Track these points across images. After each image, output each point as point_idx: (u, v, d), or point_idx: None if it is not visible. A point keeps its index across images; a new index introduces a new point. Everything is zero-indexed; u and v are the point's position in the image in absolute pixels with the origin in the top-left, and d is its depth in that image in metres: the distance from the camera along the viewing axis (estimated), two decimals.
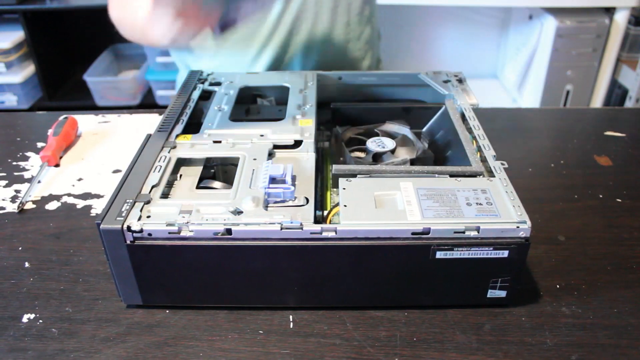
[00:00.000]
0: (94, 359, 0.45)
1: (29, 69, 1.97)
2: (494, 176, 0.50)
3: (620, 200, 0.65)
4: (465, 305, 0.49)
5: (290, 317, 0.49)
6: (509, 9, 1.99)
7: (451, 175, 0.50)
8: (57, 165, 0.72)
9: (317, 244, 0.44)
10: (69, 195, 0.66)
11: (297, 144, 0.55)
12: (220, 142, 0.55)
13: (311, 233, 0.44)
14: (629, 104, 1.73)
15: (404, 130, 0.63)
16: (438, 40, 2.12)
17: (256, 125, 0.58)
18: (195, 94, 0.66)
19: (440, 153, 0.61)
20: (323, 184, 0.55)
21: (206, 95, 0.67)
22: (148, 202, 0.46)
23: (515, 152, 0.75)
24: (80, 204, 0.65)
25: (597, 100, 1.84)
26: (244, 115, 0.65)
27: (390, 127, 0.64)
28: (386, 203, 0.47)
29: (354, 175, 0.50)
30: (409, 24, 2.05)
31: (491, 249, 0.44)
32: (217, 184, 0.54)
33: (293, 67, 0.86)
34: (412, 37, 2.09)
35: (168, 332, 0.47)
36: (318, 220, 0.47)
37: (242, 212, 0.45)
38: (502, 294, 0.48)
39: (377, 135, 0.61)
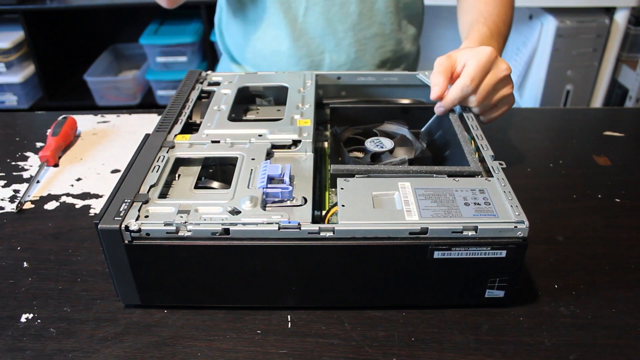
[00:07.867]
0: (92, 359, 0.45)
1: (29, 69, 1.97)
2: (492, 176, 0.50)
3: (619, 200, 0.65)
4: (463, 305, 0.49)
5: (289, 317, 0.49)
6: None
7: (449, 175, 0.50)
8: (56, 165, 0.72)
9: (315, 244, 0.44)
10: (67, 195, 0.66)
11: (296, 144, 0.55)
12: (218, 142, 0.55)
13: (309, 233, 0.44)
14: (629, 104, 1.73)
15: (403, 130, 0.63)
16: (437, 40, 2.12)
17: (255, 125, 0.58)
18: (194, 94, 0.66)
19: (438, 153, 0.61)
20: (321, 184, 0.55)
21: (205, 95, 0.67)
22: (146, 202, 0.46)
23: (514, 152, 0.75)
24: (79, 203, 0.65)
25: (597, 100, 1.84)
26: (243, 115, 0.65)
27: (389, 127, 0.64)
28: (384, 203, 0.47)
29: (352, 175, 0.50)
30: None
31: (489, 248, 0.44)
32: (215, 183, 0.54)
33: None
34: None
35: (166, 331, 0.47)
36: (316, 220, 0.47)
37: (240, 212, 0.45)
38: (500, 293, 0.48)
39: (376, 135, 0.62)
